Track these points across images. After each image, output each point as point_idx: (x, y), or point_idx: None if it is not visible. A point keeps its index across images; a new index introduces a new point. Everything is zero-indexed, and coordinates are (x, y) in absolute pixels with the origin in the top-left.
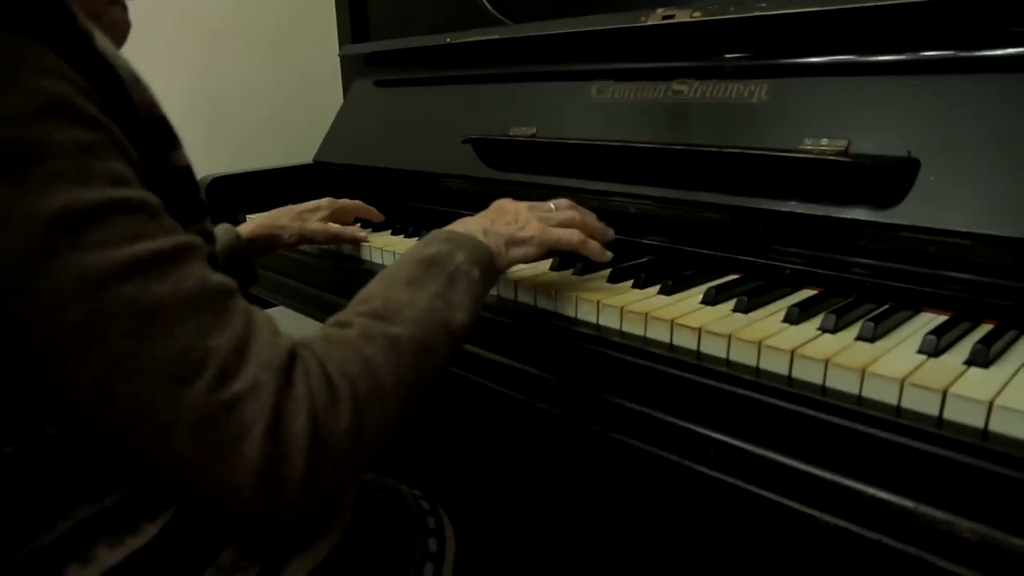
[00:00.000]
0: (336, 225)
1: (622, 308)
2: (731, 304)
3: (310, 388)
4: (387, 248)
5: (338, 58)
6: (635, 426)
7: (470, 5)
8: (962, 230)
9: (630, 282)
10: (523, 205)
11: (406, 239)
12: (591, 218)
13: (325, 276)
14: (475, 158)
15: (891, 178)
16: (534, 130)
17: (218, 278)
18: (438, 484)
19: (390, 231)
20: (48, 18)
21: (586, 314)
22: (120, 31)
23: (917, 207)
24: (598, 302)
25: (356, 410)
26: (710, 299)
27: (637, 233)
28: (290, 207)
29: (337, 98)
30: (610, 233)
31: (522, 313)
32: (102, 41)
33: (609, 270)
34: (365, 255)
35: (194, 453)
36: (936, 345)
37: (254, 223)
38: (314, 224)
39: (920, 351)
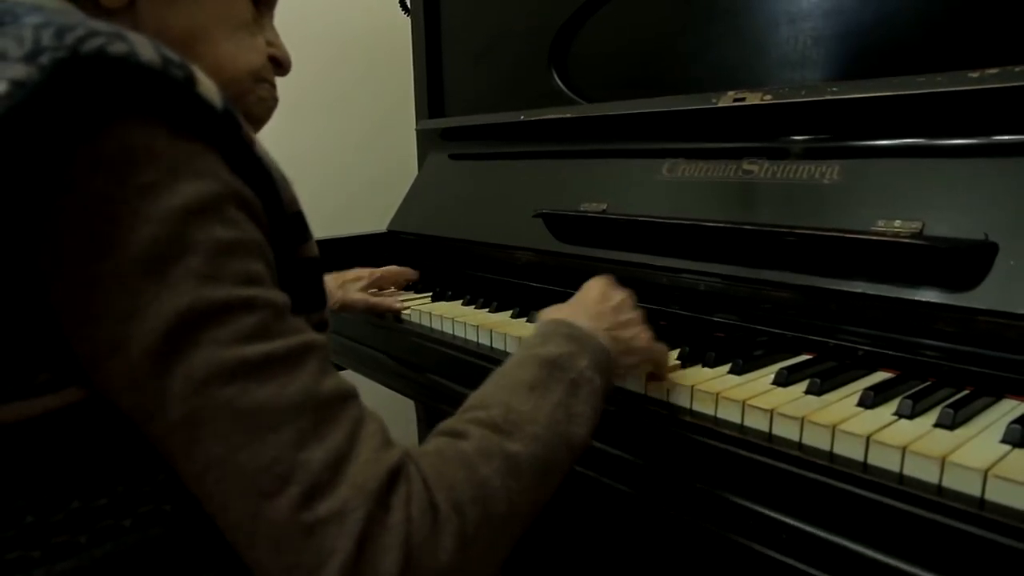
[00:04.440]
0: (373, 298)
1: (692, 387)
2: (803, 386)
3: (408, 516)
4: (434, 312)
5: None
6: (705, 508)
7: (542, 83)
8: None
9: (700, 361)
10: (627, 300)
11: (446, 303)
12: None
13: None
14: (546, 232)
15: (968, 261)
16: (605, 206)
17: (331, 384)
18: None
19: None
20: (219, 126)
21: (655, 392)
22: (267, 107)
23: (996, 291)
24: (667, 380)
25: (461, 543)
26: (782, 380)
27: (706, 311)
28: (335, 274)
29: (412, 170)
30: None
31: None
32: (259, 146)
33: (678, 348)
34: (411, 317)
35: (271, 566)
36: (1021, 435)
37: None
38: (354, 294)
39: (1004, 440)
